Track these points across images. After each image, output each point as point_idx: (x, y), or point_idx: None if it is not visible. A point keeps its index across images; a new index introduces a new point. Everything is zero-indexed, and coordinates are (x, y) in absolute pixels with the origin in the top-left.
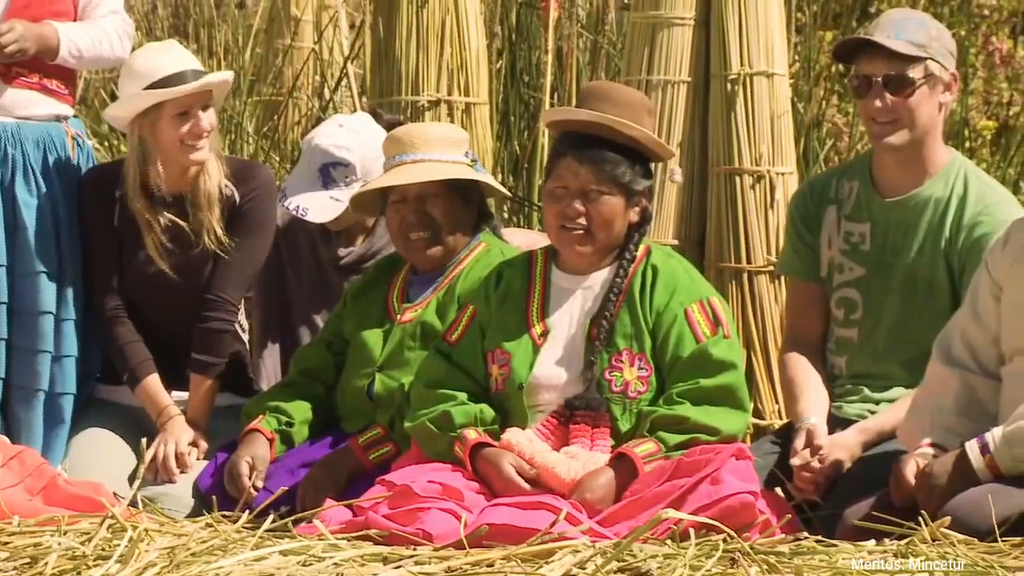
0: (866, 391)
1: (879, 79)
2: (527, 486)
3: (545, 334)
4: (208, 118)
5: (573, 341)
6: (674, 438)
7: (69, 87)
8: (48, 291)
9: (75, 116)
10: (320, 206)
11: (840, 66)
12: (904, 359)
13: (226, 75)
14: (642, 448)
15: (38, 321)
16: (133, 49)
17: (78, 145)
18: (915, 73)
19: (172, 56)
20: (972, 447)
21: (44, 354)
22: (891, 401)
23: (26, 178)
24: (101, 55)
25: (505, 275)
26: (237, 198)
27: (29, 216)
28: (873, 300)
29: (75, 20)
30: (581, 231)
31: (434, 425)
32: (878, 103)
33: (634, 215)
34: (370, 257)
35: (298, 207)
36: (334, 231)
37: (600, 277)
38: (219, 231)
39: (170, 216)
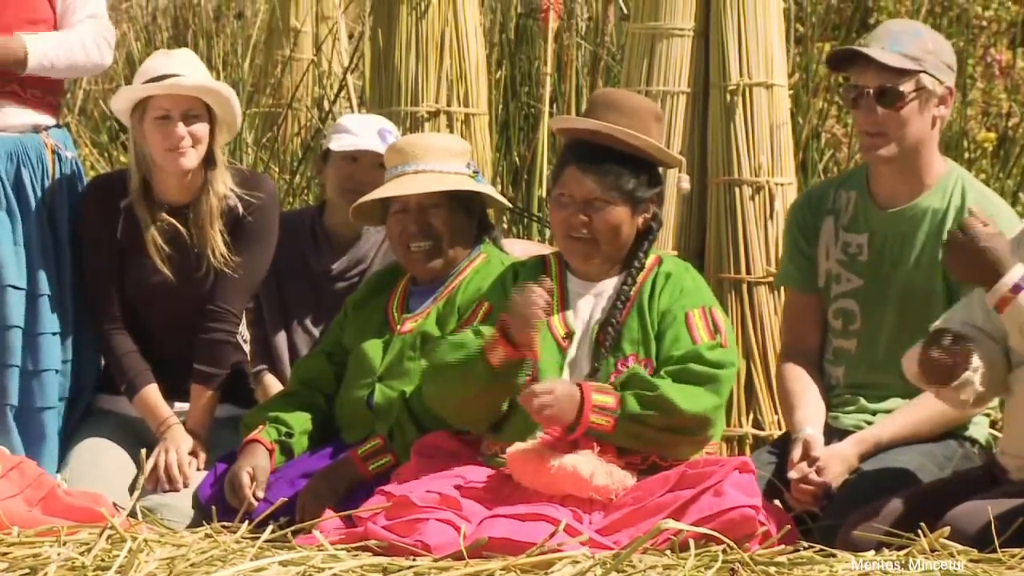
0: (863, 401)
1: (870, 91)
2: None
3: (569, 336)
4: (196, 129)
5: (582, 346)
6: (633, 405)
7: (50, 96)
8: (16, 305)
9: (60, 126)
10: (369, 139)
11: (840, 77)
12: (901, 370)
13: (197, 83)
14: (601, 398)
15: (6, 336)
16: (140, 60)
17: (57, 156)
18: (906, 87)
19: (171, 60)
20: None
21: (12, 368)
22: (888, 411)
23: None
24: (75, 63)
25: (521, 276)
26: (240, 209)
27: None
28: (871, 311)
29: (55, 27)
30: (585, 241)
31: (460, 336)
32: (868, 115)
33: (641, 222)
34: (355, 264)
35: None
36: (324, 242)
37: (611, 284)
38: (223, 249)
39: (172, 226)
